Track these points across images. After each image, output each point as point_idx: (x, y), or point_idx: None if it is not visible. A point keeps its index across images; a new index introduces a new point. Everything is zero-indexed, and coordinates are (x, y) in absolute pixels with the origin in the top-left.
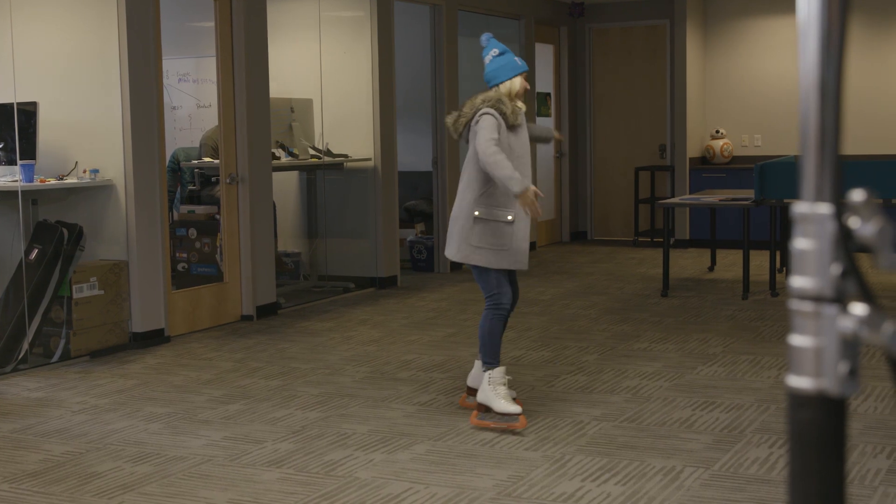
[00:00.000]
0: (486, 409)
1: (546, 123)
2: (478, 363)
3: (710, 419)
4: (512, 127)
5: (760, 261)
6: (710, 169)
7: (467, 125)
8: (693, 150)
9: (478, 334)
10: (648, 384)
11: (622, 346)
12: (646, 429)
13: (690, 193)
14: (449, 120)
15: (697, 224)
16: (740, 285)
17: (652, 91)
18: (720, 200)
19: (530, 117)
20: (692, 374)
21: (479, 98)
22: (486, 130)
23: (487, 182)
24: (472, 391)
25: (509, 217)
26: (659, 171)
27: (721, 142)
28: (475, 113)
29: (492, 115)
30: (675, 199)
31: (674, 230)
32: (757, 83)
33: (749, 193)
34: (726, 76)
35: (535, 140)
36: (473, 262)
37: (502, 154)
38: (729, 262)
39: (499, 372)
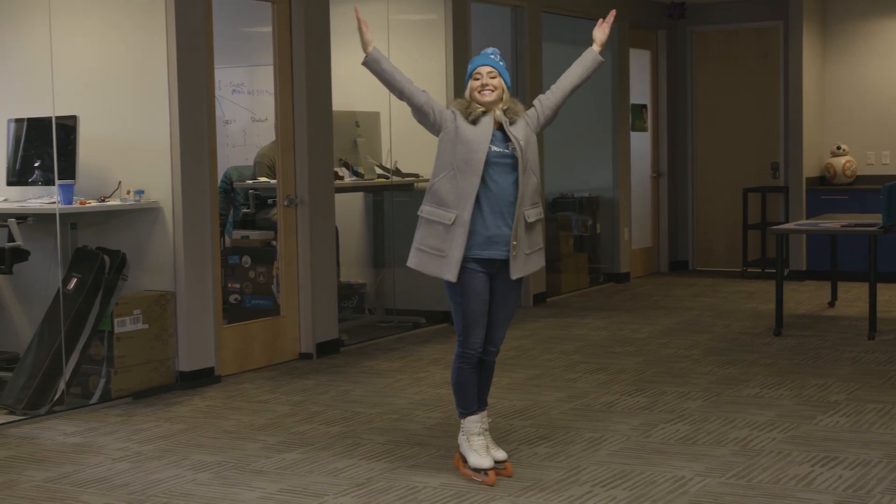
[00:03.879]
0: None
1: (643, 139)
2: None
3: (832, 477)
4: (474, 122)
5: (889, 295)
6: (830, 190)
7: None
8: (810, 168)
9: None
10: (759, 435)
11: (729, 391)
12: (756, 486)
13: (807, 218)
14: None
15: (816, 253)
16: (866, 323)
17: (763, 102)
18: (842, 226)
19: (623, 132)
20: (810, 425)
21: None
22: None
23: (435, 177)
24: None
25: (449, 219)
26: (771, 193)
27: (843, 159)
28: None
29: (451, 110)
30: (790, 225)
31: (788, 260)
32: (884, 93)
33: (876, 218)
34: (849, 85)
35: (581, 75)
36: (410, 263)
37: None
38: (852, 297)
39: (471, 421)
